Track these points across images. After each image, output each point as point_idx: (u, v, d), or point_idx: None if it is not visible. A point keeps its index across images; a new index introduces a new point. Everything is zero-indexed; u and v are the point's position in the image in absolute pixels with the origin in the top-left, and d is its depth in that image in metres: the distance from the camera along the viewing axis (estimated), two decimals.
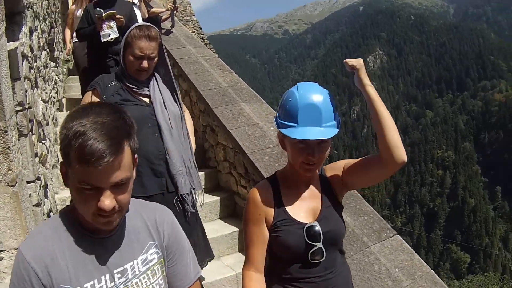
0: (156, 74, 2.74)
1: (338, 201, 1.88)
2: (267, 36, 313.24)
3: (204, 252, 2.86)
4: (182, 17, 16.19)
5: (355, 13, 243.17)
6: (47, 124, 4.69)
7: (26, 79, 3.30)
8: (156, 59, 2.65)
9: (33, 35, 4.12)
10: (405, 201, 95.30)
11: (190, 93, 5.93)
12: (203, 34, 16.62)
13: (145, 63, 2.57)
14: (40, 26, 4.83)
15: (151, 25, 2.67)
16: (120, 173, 1.20)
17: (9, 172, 2.56)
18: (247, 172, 4.45)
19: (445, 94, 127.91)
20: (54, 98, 6.07)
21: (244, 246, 1.86)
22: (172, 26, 8.28)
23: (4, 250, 2.60)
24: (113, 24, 4.78)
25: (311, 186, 1.86)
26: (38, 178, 3.21)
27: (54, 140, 5.11)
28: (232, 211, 4.86)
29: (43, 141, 4.03)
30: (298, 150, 1.70)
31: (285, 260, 1.78)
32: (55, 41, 7.00)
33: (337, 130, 1.72)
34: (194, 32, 16.17)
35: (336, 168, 1.90)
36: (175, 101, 2.78)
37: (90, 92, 2.64)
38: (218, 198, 4.77)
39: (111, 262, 1.30)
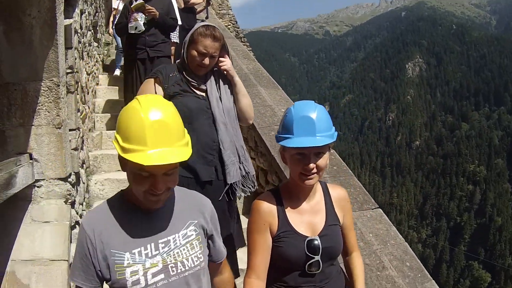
0: (215, 70, 2.84)
1: (339, 220, 1.95)
2: (308, 36, 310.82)
3: (237, 240, 2.95)
4: (219, 10, 16.92)
5: (396, 18, 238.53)
6: (88, 93, 5.45)
7: (75, 50, 4.03)
8: (216, 58, 2.73)
9: (83, 16, 4.88)
10: (433, 213, 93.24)
11: None
12: (238, 28, 17.28)
13: (206, 60, 2.65)
14: (88, 9, 5.58)
15: (216, 26, 2.76)
16: (172, 165, 1.43)
17: (57, 117, 3.27)
18: (256, 145, 5.04)
19: (481, 107, 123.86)
20: (95, 73, 6.86)
21: (247, 254, 1.90)
22: (206, 17, 8.98)
23: (44, 179, 3.27)
24: (140, 16, 5.03)
25: (313, 200, 1.93)
26: (78, 129, 3.92)
27: (91, 109, 5.89)
28: None
29: (83, 105, 4.78)
30: (295, 161, 1.80)
31: (282, 269, 1.85)
32: (99, 24, 7.80)
33: (331, 140, 1.79)
34: (230, 25, 16.87)
35: (345, 203, 2.02)
36: (230, 96, 2.86)
37: (153, 79, 2.72)
38: None
39: (156, 234, 1.53)
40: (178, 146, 1.43)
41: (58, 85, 3.25)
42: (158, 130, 1.37)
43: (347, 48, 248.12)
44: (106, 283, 1.51)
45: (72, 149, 3.61)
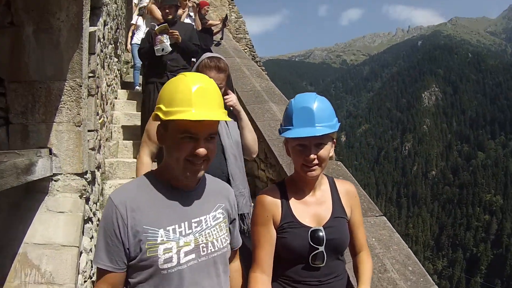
0: (225, 104, 3.03)
1: (346, 213, 1.92)
2: (325, 65, 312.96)
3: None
4: (236, 34, 17.39)
5: (413, 47, 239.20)
6: (107, 104, 5.66)
7: (98, 57, 4.24)
8: (223, 89, 2.73)
9: (105, 27, 5.12)
10: (449, 244, 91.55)
11: None
12: (254, 52, 17.71)
13: None
14: (110, 23, 5.84)
15: (221, 56, 2.80)
16: (213, 128, 1.51)
17: (78, 115, 3.45)
18: (266, 157, 5.18)
19: (497, 136, 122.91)
20: (114, 87, 7.11)
21: (252, 248, 1.90)
22: (221, 38, 9.30)
23: (62, 174, 3.42)
24: (165, 37, 5.11)
25: (318, 192, 1.91)
26: (96, 131, 4.09)
27: (109, 120, 6.10)
28: (252, 192, 5.58)
29: (102, 113, 4.97)
30: (297, 153, 1.80)
31: (287, 261, 1.82)
32: (119, 40, 8.11)
33: (331, 130, 1.79)
34: (246, 49, 17.30)
35: (353, 199, 2.00)
36: (236, 129, 2.89)
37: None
38: None
39: (190, 213, 1.54)
40: (220, 111, 1.51)
41: (81, 86, 3.43)
42: (202, 95, 1.45)
43: (364, 78, 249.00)
44: (130, 262, 1.48)
45: (89, 149, 3.77)
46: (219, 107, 1.51)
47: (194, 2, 8.63)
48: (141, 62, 7.41)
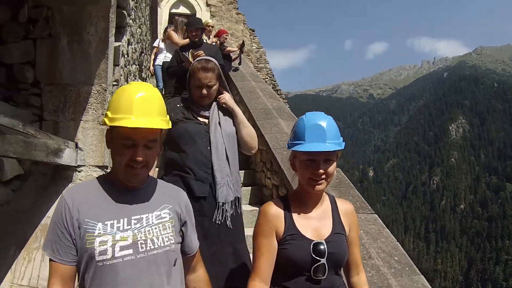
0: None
1: (345, 230, 1.95)
2: (352, 99, 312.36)
3: (248, 260, 2.91)
4: (258, 64, 18.06)
5: (439, 79, 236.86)
6: None
7: (122, 69, 4.75)
8: (215, 86, 2.91)
9: (129, 46, 5.66)
10: (478, 278, 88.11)
11: (245, 114, 7.27)
12: (275, 81, 18.25)
13: (204, 91, 2.85)
14: (134, 44, 6.41)
15: (210, 58, 2.98)
16: (152, 135, 1.58)
17: (102, 116, 3.92)
18: (272, 165, 5.52)
19: None
20: None
21: (252, 257, 1.92)
22: (239, 63, 9.83)
23: (85, 165, 3.88)
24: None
25: (320, 208, 1.94)
26: None
27: None
28: (260, 200, 5.90)
29: None
30: (305, 166, 1.84)
31: (287, 272, 1.83)
32: (144, 64, 8.72)
33: (340, 147, 1.84)
34: (267, 78, 17.91)
35: (352, 218, 2.02)
36: (232, 124, 3.01)
37: None
38: (250, 188, 5.88)
39: (131, 210, 1.61)
40: (159, 118, 1.59)
41: (105, 90, 3.93)
42: (143, 103, 1.55)
43: (391, 111, 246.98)
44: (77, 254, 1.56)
45: None
46: (158, 115, 1.59)
47: (208, 26, 9.19)
48: (162, 85, 7.93)
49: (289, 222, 1.86)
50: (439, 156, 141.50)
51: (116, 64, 4.35)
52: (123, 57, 4.84)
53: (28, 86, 3.73)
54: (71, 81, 3.82)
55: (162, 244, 1.60)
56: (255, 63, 17.91)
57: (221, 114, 2.96)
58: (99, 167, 3.89)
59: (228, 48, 9.13)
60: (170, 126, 1.67)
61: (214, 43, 8.58)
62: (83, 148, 3.85)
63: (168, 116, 1.69)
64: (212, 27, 9.44)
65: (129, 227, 1.56)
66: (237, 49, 9.71)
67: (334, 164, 1.85)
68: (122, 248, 1.52)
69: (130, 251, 1.53)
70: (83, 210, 1.54)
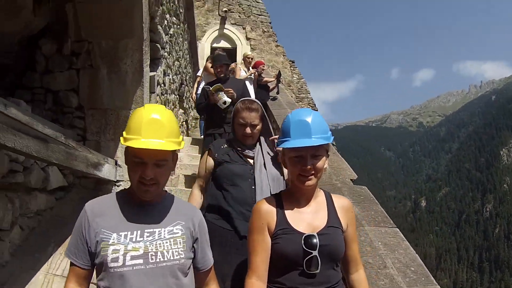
0: (262, 140, 2.99)
1: (341, 224, 1.90)
2: (402, 128, 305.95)
3: None
4: (299, 94, 18.49)
5: (487, 103, 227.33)
6: None
7: (158, 96, 5.21)
8: (258, 126, 2.91)
9: (166, 77, 6.15)
10: None
11: None
12: (317, 110, 18.50)
13: (248, 130, 2.85)
14: (172, 76, 6.91)
15: (255, 100, 3.01)
16: (161, 155, 1.64)
17: None
18: None
19: None
20: None
21: (248, 255, 1.90)
22: (277, 92, 10.15)
23: (123, 181, 4.27)
24: (222, 94, 5.18)
25: (313, 203, 1.91)
26: None
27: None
28: None
29: None
30: (294, 163, 1.83)
31: (281, 267, 1.81)
32: (185, 96, 9.22)
33: (326, 141, 1.81)
34: (308, 107, 18.17)
35: (349, 213, 1.98)
36: (276, 164, 2.95)
37: (206, 151, 3.01)
38: None
39: (145, 224, 1.69)
40: (168, 140, 1.65)
41: None
42: (151, 125, 1.63)
43: (441, 139, 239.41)
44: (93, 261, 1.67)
45: None
46: (167, 136, 1.65)
47: (248, 58, 9.60)
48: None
49: (281, 217, 1.84)
50: (491, 183, 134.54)
51: (152, 91, 4.81)
52: (159, 86, 5.31)
53: (73, 110, 4.24)
54: (111, 106, 4.29)
55: (172, 258, 1.65)
56: (296, 93, 18.31)
57: (266, 156, 2.94)
58: None
59: (266, 79, 9.44)
60: (181, 147, 1.72)
61: (252, 74, 8.95)
62: (122, 165, 4.26)
63: (180, 137, 1.74)
64: (252, 58, 9.81)
65: (141, 239, 1.64)
66: (274, 79, 10.02)
67: (323, 159, 1.83)
68: (133, 258, 1.60)
69: (141, 261, 1.60)
70: (101, 221, 1.66)
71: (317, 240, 1.76)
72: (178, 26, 7.75)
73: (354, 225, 1.98)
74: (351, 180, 5.07)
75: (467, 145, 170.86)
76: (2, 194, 2.99)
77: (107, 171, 3.90)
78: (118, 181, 4.21)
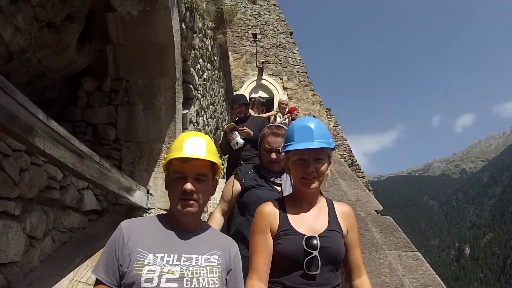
0: None
1: (341, 229, 1.92)
2: (444, 176, 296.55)
3: None
4: (335, 141, 18.46)
5: None
6: None
7: None
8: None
9: (200, 117, 6.47)
10: None
11: None
12: (353, 156, 18.49)
13: (273, 155, 2.81)
14: (206, 118, 7.24)
15: (281, 125, 2.98)
16: (200, 169, 1.68)
17: None
18: None
19: None
20: None
21: (249, 256, 1.91)
22: None
23: (154, 208, 4.50)
24: (235, 134, 5.17)
25: (316, 209, 1.94)
26: None
27: None
28: None
29: None
30: (297, 167, 1.87)
31: (282, 268, 1.81)
32: (220, 140, 9.53)
33: (328, 145, 1.86)
34: (345, 154, 18.26)
35: (350, 219, 1.99)
36: None
37: (233, 176, 2.97)
38: None
39: (183, 249, 1.65)
40: (208, 156, 1.69)
41: None
42: (192, 142, 1.70)
43: (484, 184, 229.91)
44: (121, 281, 1.61)
45: None
46: (207, 152, 1.70)
47: (282, 103, 9.89)
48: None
49: (283, 219, 1.86)
50: None
51: (184, 128, 5.11)
52: (191, 124, 5.61)
53: (110, 142, 4.61)
54: (145, 139, 4.63)
55: (207, 286, 1.60)
56: (333, 139, 18.34)
57: None
58: (166, 210, 4.49)
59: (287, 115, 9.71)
60: (220, 165, 1.76)
61: (287, 120, 9.18)
62: (153, 194, 4.51)
63: (218, 155, 1.79)
64: (286, 104, 10.06)
65: (178, 263, 1.59)
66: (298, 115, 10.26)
67: (326, 164, 1.87)
68: (168, 281, 1.54)
69: (175, 284, 1.55)
70: (137, 240, 1.62)
71: (318, 241, 1.77)
72: (213, 73, 8.20)
73: (355, 231, 2.00)
74: (376, 211, 5.10)
75: (511, 188, 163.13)
76: (38, 207, 3.26)
77: (138, 197, 4.14)
78: (149, 208, 4.45)
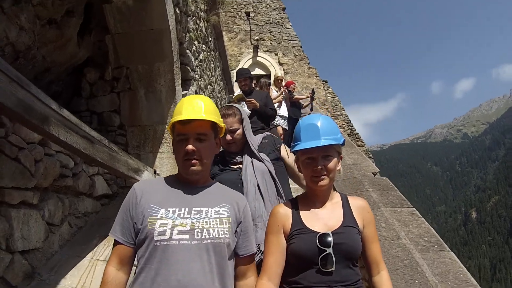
0: (249, 141, 2.79)
1: (357, 224, 1.88)
2: (447, 142, 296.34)
3: None
4: (334, 112, 18.66)
5: None
6: None
7: None
8: (239, 130, 2.75)
9: None
10: None
11: None
12: (352, 126, 18.66)
13: (228, 136, 2.72)
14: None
15: (234, 105, 2.90)
16: (201, 129, 1.73)
17: None
18: None
19: None
20: None
21: (263, 257, 1.91)
22: (311, 109, 10.50)
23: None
24: (243, 105, 5.27)
25: (328, 205, 1.91)
26: None
27: None
28: None
29: None
30: (306, 165, 1.86)
31: (298, 268, 1.79)
32: None
33: (335, 142, 1.84)
34: (344, 124, 18.41)
35: (366, 213, 1.94)
36: (276, 161, 2.81)
37: None
38: None
39: (193, 202, 1.71)
40: (207, 115, 1.75)
41: None
42: (190, 104, 1.77)
43: (487, 148, 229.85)
44: (136, 238, 1.68)
45: None
46: (205, 112, 1.76)
47: (278, 78, 9.99)
48: None
49: (296, 219, 1.85)
50: None
51: None
52: None
53: (115, 128, 4.80)
54: (149, 122, 4.81)
55: (217, 236, 1.65)
56: (331, 111, 18.53)
57: (252, 152, 2.75)
58: None
59: (296, 96, 9.82)
60: (221, 123, 1.84)
61: (284, 93, 9.31)
62: (160, 173, 4.71)
63: (220, 117, 1.87)
64: (282, 79, 10.21)
65: (189, 216, 1.65)
66: (305, 97, 10.41)
67: (335, 160, 1.86)
68: (180, 233, 1.60)
69: (187, 236, 1.60)
70: (150, 197, 1.69)
71: (331, 238, 1.75)
72: (209, 53, 8.32)
73: (372, 226, 1.95)
74: (372, 173, 5.29)
75: None
76: (54, 195, 3.48)
77: (146, 177, 4.32)
78: None
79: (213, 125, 1.79)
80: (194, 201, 1.72)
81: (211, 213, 1.69)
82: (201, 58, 7.03)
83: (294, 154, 1.99)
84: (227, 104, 2.99)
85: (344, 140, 1.91)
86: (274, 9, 18.62)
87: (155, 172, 4.63)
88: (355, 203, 1.94)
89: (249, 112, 5.25)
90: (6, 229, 2.85)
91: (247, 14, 18.06)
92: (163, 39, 4.62)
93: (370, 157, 17.57)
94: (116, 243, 1.71)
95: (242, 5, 18.24)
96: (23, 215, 3.05)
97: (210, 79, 8.34)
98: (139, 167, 4.11)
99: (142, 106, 4.79)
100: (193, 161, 1.71)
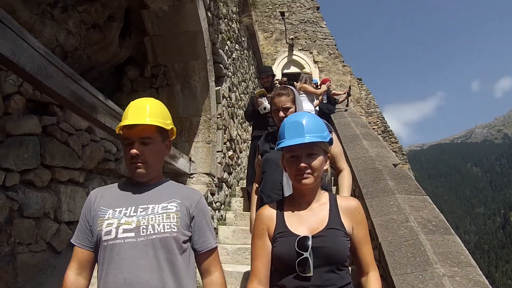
0: None
1: (344, 226, 1.77)
2: (487, 142, 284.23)
3: None
4: (368, 109, 18.69)
5: None
6: (240, 152, 7.45)
7: (224, 107, 6.07)
8: (292, 109, 2.86)
9: (232, 93, 7.03)
10: None
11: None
12: (386, 123, 18.63)
13: (280, 113, 2.85)
14: (238, 93, 7.79)
15: (288, 86, 3.01)
16: (144, 133, 1.71)
17: (208, 137, 5.21)
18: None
19: None
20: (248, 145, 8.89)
21: (250, 260, 1.90)
22: (347, 105, 10.83)
23: (196, 173, 5.12)
24: (265, 100, 5.55)
25: (315, 206, 1.83)
26: (222, 151, 5.79)
27: (241, 162, 7.86)
28: None
29: (233, 152, 6.74)
30: (290, 164, 1.79)
31: (280, 271, 1.75)
32: None
33: (320, 139, 1.77)
34: (378, 121, 18.44)
35: (355, 214, 1.83)
36: None
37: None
38: None
39: (139, 201, 1.72)
40: (151, 120, 1.72)
41: (210, 119, 5.26)
42: (136, 109, 1.75)
43: None
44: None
45: (217, 163, 5.48)
46: (150, 116, 1.73)
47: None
48: None
49: (280, 221, 1.80)
50: None
51: (218, 102, 5.67)
52: (224, 99, 6.18)
53: None
54: (185, 114, 5.22)
55: (162, 231, 1.64)
56: (365, 108, 18.59)
57: None
58: (206, 174, 5.13)
59: (333, 91, 10.20)
60: (168, 127, 1.79)
61: (324, 91, 9.41)
62: (195, 161, 5.13)
63: (170, 120, 1.85)
64: (311, 74, 10.54)
65: (135, 214, 1.66)
66: (341, 93, 10.76)
67: (320, 158, 1.78)
68: (125, 231, 1.62)
69: (132, 234, 1.62)
70: (101, 200, 1.74)
71: (310, 242, 1.68)
72: (242, 52, 8.68)
73: (363, 227, 1.83)
74: (393, 164, 5.49)
75: None
76: (97, 176, 3.87)
77: (182, 164, 4.76)
78: (192, 174, 5.07)
79: (161, 128, 1.75)
80: (141, 199, 1.73)
81: (157, 209, 1.70)
82: (234, 56, 7.38)
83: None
84: (284, 85, 3.10)
85: (332, 138, 1.84)
86: (308, 9, 18.69)
87: (190, 160, 5.06)
88: (344, 204, 1.85)
89: (269, 107, 5.19)
90: (55, 202, 3.17)
91: (282, 13, 18.23)
92: (197, 40, 4.98)
93: (403, 154, 17.53)
94: (75, 247, 1.75)
95: (277, 5, 18.40)
96: (70, 191, 3.37)
97: (244, 77, 8.70)
98: (175, 154, 4.52)
99: (178, 100, 5.19)
100: (138, 164, 1.72)
